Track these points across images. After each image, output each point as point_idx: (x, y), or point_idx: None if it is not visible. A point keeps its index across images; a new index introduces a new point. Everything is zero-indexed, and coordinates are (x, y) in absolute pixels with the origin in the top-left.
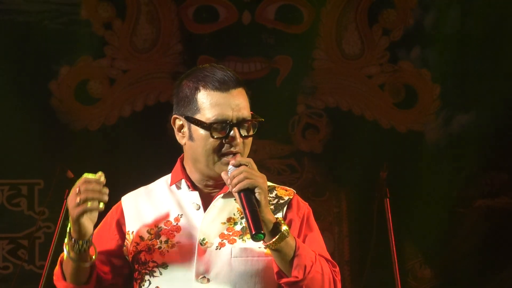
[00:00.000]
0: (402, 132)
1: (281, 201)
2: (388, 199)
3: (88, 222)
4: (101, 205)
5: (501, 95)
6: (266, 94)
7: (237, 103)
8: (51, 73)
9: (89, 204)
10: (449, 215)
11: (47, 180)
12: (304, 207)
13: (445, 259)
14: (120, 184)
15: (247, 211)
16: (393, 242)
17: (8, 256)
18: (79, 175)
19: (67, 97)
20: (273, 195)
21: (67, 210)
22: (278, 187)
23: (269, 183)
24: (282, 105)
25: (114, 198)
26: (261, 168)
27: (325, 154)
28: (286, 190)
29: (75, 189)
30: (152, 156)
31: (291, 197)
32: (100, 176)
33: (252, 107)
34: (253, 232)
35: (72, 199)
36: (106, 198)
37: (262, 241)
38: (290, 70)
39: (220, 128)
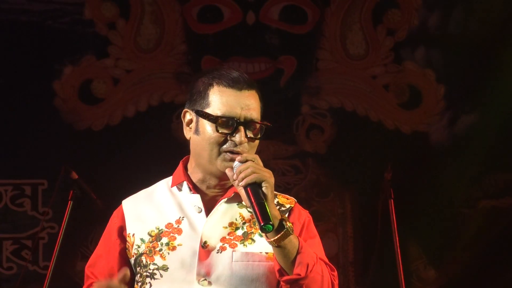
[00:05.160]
0: (406, 133)
1: (283, 209)
2: (392, 200)
3: None
4: None
5: (506, 95)
6: (270, 94)
7: (248, 103)
8: (55, 73)
9: None
10: (454, 215)
11: (51, 180)
12: (304, 215)
13: (449, 260)
14: (125, 184)
15: (254, 204)
16: (398, 243)
17: (11, 256)
18: (82, 176)
19: (71, 97)
20: (275, 202)
21: (71, 211)
22: (280, 195)
23: None
24: (286, 105)
25: (119, 198)
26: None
27: (330, 154)
28: (288, 199)
29: None
30: (156, 156)
31: (292, 205)
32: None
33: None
34: (262, 223)
35: None
36: None
37: (266, 237)
38: (294, 70)
39: (227, 124)
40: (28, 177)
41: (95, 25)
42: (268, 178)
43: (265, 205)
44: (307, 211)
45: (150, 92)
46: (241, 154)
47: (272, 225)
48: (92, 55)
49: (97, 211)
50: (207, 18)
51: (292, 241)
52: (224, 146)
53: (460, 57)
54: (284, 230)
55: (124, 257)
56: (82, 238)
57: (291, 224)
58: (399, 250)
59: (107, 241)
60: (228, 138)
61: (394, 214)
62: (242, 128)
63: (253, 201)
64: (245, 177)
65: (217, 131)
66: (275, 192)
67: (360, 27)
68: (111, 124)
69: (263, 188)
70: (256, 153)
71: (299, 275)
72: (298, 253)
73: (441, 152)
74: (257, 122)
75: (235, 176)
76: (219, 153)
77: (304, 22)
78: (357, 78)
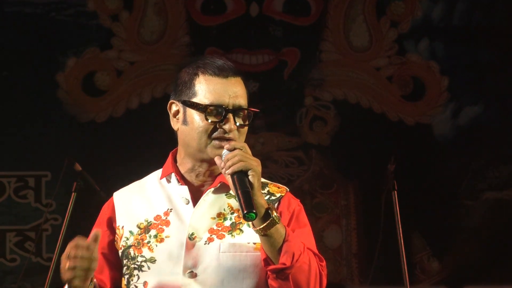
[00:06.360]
0: (410, 125)
1: (273, 198)
2: (395, 192)
3: (82, 281)
4: (91, 271)
5: (509, 87)
6: (273, 86)
7: (235, 91)
8: (58, 65)
9: (78, 272)
10: (457, 207)
11: (55, 172)
12: (295, 203)
13: (453, 251)
14: (128, 176)
15: (239, 191)
16: (401, 234)
17: (15, 248)
18: (86, 167)
19: (74, 89)
20: (265, 191)
21: (74, 203)
22: (271, 183)
23: (262, 179)
24: (289, 97)
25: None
26: (269, 160)
27: (333, 146)
28: (279, 188)
29: (66, 251)
30: (160, 148)
31: (283, 194)
32: (95, 237)
33: (260, 99)
34: (245, 211)
35: (64, 262)
36: (95, 264)
37: (252, 226)
38: (298, 62)
39: (216, 112)
40: (32, 169)
41: (99, 17)
42: (255, 167)
43: (249, 194)
44: (298, 200)
45: (154, 84)
46: (232, 140)
47: (255, 213)
48: (96, 47)
49: (100, 202)
50: (210, 10)
51: (279, 230)
52: (214, 134)
53: (464, 49)
54: (270, 219)
55: (112, 249)
56: (86, 230)
57: (277, 214)
58: (402, 242)
59: (98, 229)
60: (218, 126)
61: (397, 206)
62: (231, 115)
63: (238, 188)
64: (232, 165)
65: (206, 119)
66: (267, 181)
67: (364, 19)
68: (114, 116)
69: (250, 177)
70: (260, 145)
71: (285, 264)
72: (284, 242)
73: (445, 144)
74: (245, 109)
75: (222, 164)
76: (208, 142)
77: (308, 14)
78: (360, 70)
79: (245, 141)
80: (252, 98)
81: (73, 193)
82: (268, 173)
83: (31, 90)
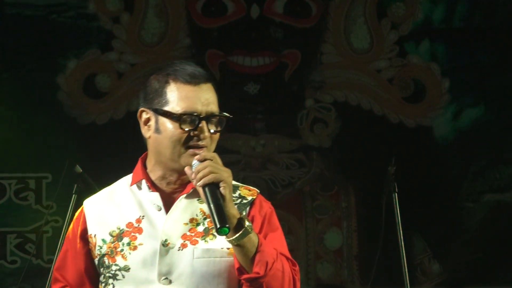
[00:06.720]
0: (410, 127)
1: (244, 201)
2: (396, 194)
3: None
4: None
5: (510, 89)
6: (274, 88)
7: (207, 98)
8: (59, 67)
9: None
10: (458, 209)
11: (55, 174)
12: (266, 207)
13: (454, 254)
14: None
15: (211, 205)
16: (402, 236)
17: (15, 250)
18: (87, 169)
19: (75, 91)
20: (236, 194)
21: (75, 205)
22: (242, 186)
23: (233, 182)
24: (290, 99)
25: None
26: (270, 162)
27: (334, 148)
28: (250, 190)
29: None
30: None
31: (254, 197)
32: None
33: (261, 101)
34: (218, 226)
35: None
36: None
37: (225, 236)
38: (299, 64)
39: (189, 120)
40: (32, 170)
41: (100, 19)
42: (226, 178)
43: (222, 207)
44: (269, 203)
45: None
46: (205, 147)
47: (229, 228)
48: (96, 49)
49: None
50: (211, 12)
51: (252, 240)
52: (189, 143)
53: (464, 51)
54: (243, 230)
55: (89, 260)
56: None
57: (250, 224)
58: (403, 244)
59: (72, 243)
60: (192, 134)
61: (398, 208)
62: (204, 123)
63: (210, 202)
64: (203, 176)
65: (181, 128)
66: (238, 183)
67: (365, 21)
68: (115, 118)
69: (221, 189)
70: (261, 147)
71: (258, 273)
72: (257, 251)
73: (445, 146)
74: (218, 115)
75: (193, 176)
76: (182, 151)
77: (309, 15)
78: (361, 72)
79: (245, 143)
80: (252, 100)
81: (73, 195)
82: (269, 175)
83: (32, 92)
